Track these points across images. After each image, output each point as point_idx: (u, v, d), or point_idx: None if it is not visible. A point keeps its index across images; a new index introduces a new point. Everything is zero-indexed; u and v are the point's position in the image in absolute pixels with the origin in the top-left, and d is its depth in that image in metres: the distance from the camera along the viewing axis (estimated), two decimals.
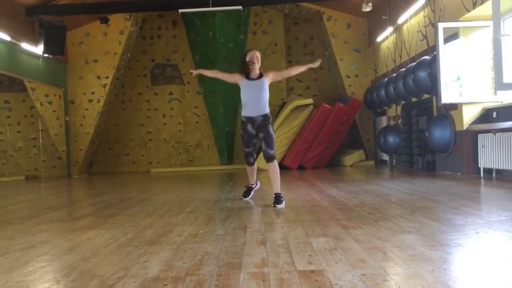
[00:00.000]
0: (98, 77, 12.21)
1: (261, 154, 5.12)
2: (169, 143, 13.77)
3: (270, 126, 4.84)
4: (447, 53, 7.35)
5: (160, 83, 13.72)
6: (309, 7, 12.06)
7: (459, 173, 7.46)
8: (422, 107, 8.79)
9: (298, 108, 11.14)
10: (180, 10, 10.05)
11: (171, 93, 13.72)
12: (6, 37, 9.36)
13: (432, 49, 7.93)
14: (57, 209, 5.23)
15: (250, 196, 5.30)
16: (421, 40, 8.77)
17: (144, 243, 3.08)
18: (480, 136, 7.04)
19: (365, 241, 2.85)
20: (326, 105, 10.90)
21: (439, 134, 7.67)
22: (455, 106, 7.42)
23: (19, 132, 13.27)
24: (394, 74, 9.78)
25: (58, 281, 2.29)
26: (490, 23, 6.19)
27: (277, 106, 12.41)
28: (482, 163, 6.99)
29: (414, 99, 9.19)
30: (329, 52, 12.75)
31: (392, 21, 10.05)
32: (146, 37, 13.63)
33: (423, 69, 7.93)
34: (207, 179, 9.15)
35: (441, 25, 7.23)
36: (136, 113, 13.71)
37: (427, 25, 8.45)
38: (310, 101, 11.36)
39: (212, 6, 9.76)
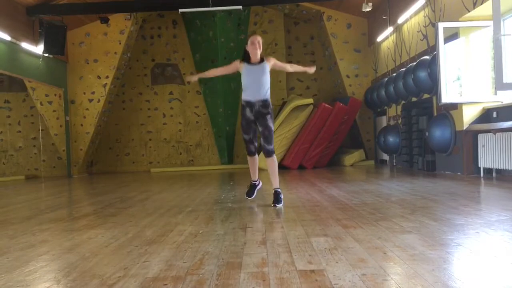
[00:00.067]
0: (98, 77, 12.21)
1: (262, 153, 5.03)
2: (169, 142, 13.77)
3: (269, 117, 4.71)
4: (447, 53, 7.35)
5: (160, 83, 13.72)
6: (309, 7, 12.06)
7: (459, 173, 7.46)
8: (422, 107, 8.79)
9: (298, 108, 11.15)
10: (180, 10, 10.05)
11: (171, 93, 13.73)
12: (6, 37, 9.37)
13: (432, 49, 7.94)
14: (57, 209, 5.23)
15: (254, 195, 5.16)
16: (421, 40, 8.77)
17: (144, 242, 3.09)
18: (480, 136, 7.04)
19: (365, 240, 2.86)
20: (326, 105, 10.90)
21: (439, 134, 7.67)
22: (455, 106, 7.42)
23: (19, 131, 13.27)
24: (394, 74, 9.78)
25: (58, 281, 2.29)
26: (490, 23, 6.20)
27: (277, 106, 12.42)
28: (482, 163, 7.00)
29: (414, 99, 9.19)
30: (329, 52, 12.75)
31: (392, 21, 10.05)
32: (146, 36, 13.63)
33: (423, 69, 7.93)
34: (207, 179, 9.15)
35: (441, 25, 7.23)
36: (136, 112, 13.71)
37: (427, 25, 8.45)
38: (310, 100, 11.36)
39: (213, 6, 9.77)
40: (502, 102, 6.91)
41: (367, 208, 4.23)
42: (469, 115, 7.25)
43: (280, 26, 13.39)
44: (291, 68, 5.15)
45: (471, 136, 7.25)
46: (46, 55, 10.58)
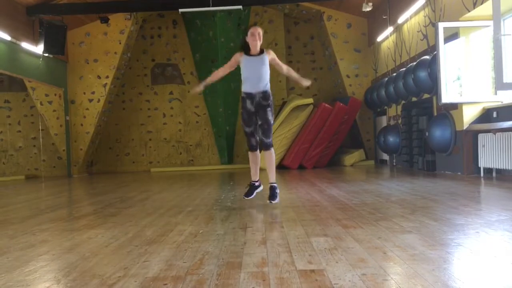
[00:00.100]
0: (98, 77, 12.21)
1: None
2: (169, 142, 13.77)
3: (269, 110, 4.64)
4: (447, 52, 7.35)
5: (160, 83, 13.72)
6: (310, 7, 12.06)
7: (459, 173, 7.46)
8: (422, 106, 8.79)
9: (298, 107, 11.15)
10: (180, 10, 10.05)
11: (171, 93, 13.73)
12: (6, 37, 9.37)
13: (432, 49, 7.94)
14: (57, 209, 5.23)
15: (253, 196, 4.86)
16: (421, 40, 8.77)
17: (144, 242, 3.09)
18: (480, 136, 7.04)
19: (365, 240, 2.86)
20: (326, 105, 10.90)
21: (439, 133, 7.67)
22: (455, 106, 7.42)
23: (19, 131, 13.27)
24: (394, 74, 9.78)
25: (58, 281, 2.29)
26: (491, 22, 6.20)
27: (278, 106, 12.41)
28: (482, 163, 7.00)
29: (414, 99, 9.19)
30: (329, 51, 12.75)
31: (392, 20, 10.05)
32: (147, 36, 13.63)
33: (423, 68, 7.93)
34: (207, 179, 9.15)
35: (441, 25, 7.23)
36: (137, 112, 13.71)
37: (427, 25, 8.45)
38: (310, 100, 11.36)
39: (213, 6, 9.77)
40: (502, 102, 6.91)
41: (367, 208, 4.23)
42: (469, 115, 7.25)
43: (280, 26, 13.38)
44: (286, 70, 4.96)
45: (471, 136, 7.25)
46: (46, 55, 10.58)
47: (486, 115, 7.17)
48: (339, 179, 7.72)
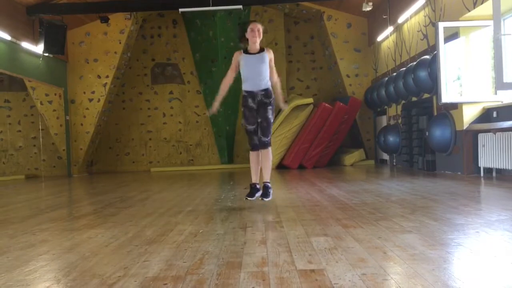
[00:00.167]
0: (99, 76, 12.21)
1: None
2: (169, 142, 13.77)
3: (270, 108, 4.59)
4: (447, 52, 7.35)
5: (160, 82, 13.72)
6: (310, 7, 12.06)
7: (459, 173, 7.46)
8: (422, 106, 8.79)
9: (298, 107, 11.14)
10: (180, 10, 10.05)
11: (171, 92, 13.72)
12: (6, 36, 9.37)
13: (433, 49, 7.93)
14: (57, 208, 5.23)
15: (255, 197, 4.64)
16: (422, 40, 8.76)
17: (144, 242, 3.09)
18: (480, 136, 7.04)
19: (365, 240, 2.86)
20: (326, 105, 10.90)
21: (439, 133, 7.67)
22: (455, 106, 7.42)
23: (20, 131, 13.27)
24: (394, 74, 9.78)
25: (58, 280, 2.29)
26: (491, 22, 6.20)
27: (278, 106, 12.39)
28: (482, 163, 6.99)
29: (414, 99, 9.19)
30: (329, 51, 12.75)
31: (392, 20, 10.04)
32: (147, 36, 13.63)
33: (423, 68, 7.93)
34: (207, 179, 9.16)
35: (441, 25, 7.23)
36: (137, 112, 13.71)
37: (428, 25, 8.45)
38: (310, 100, 11.36)
39: (213, 5, 9.76)
40: (502, 102, 6.91)
41: (367, 207, 4.23)
42: (469, 114, 7.25)
43: (280, 25, 13.38)
44: (275, 80, 4.74)
45: (471, 135, 7.25)
46: (46, 54, 10.58)
47: (486, 115, 7.16)
48: (339, 178, 7.72)
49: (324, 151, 11.11)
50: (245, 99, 4.63)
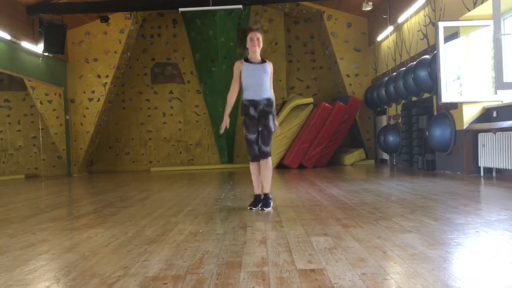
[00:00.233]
0: (98, 76, 12.21)
1: None
2: (169, 142, 13.77)
3: (271, 117, 4.49)
4: (447, 52, 7.35)
5: (160, 82, 13.72)
6: (310, 6, 12.06)
7: (459, 172, 7.46)
8: (422, 106, 8.79)
9: (298, 107, 11.14)
10: (180, 9, 10.04)
11: (171, 92, 13.72)
12: (6, 36, 9.36)
13: (433, 48, 7.93)
14: (57, 208, 5.23)
15: (259, 207, 4.51)
16: (422, 39, 8.76)
17: (144, 242, 3.09)
18: (480, 135, 7.04)
19: (365, 240, 2.86)
20: (327, 104, 10.90)
21: (439, 133, 7.67)
22: (455, 105, 7.42)
23: (19, 131, 13.27)
24: (395, 73, 9.78)
25: (58, 280, 2.29)
26: (491, 22, 6.20)
27: (278, 105, 12.41)
28: (482, 162, 6.99)
29: (414, 98, 9.19)
30: (329, 51, 12.75)
31: (392, 20, 10.04)
32: (146, 36, 13.62)
33: (423, 68, 7.93)
34: (207, 178, 9.16)
35: (441, 24, 7.23)
36: (136, 112, 13.71)
37: (428, 24, 8.45)
38: (310, 100, 11.36)
39: (213, 5, 9.76)
40: (502, 102, 6.91)
41: (367, 207, 4.23)
42: (469, 114, 7.25)
43: (280, 25, 13.38)
44: (270, 92, 4.60)
45: (471, 135, 7.25)
46: (46, 54, 10.57)
47: (486, 115, 7.16)
48: (339, 178, 7.72)
49: (324, 151, 11.11)
50: (246, 108, 4.48)
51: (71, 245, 3.08)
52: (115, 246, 2.99)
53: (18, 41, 9.82)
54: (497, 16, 5.65)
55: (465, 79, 7.43)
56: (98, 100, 12.22)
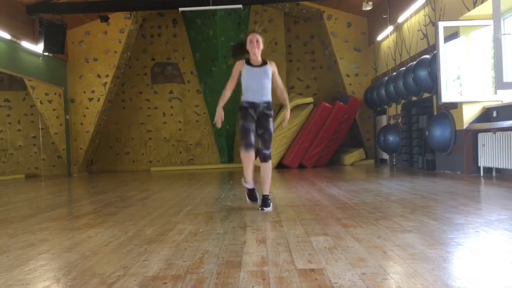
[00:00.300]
0: (98, 76, 12.21)
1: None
2: (169, 141, 13.77)
3: (271, 120, 4.45)
4: (447, 52, 7.35)
5: (160, 82, 13.72)
6: (310, 6, 12.06)
7: (459, 172, 7.46)
8: (422, 106, 8.79)
9: (298, 107, 11.13)
10: (180, 9, 10.05)
11: (171, 92, 13.72)
12: (6, 36, 9.36)
13: (433, 48, 7.93)
14: (57, 208, 5.23)
15: (258, 197, 4.54)
16: (422, 39, 8.76)
17: (144, 241, 3.09)
18: (480, 135, 7.04)
19: (365, 240, 2.86)
20: (326, 104, 10.90)
21: (439, 133, 7.67)
22: (455, 105, 7.42)
23: (19, 130, 13.27)
24: (394, 73, 9.78)
25: (58, 280, 2.29)
26: (491, 22, 6.20)
27: (277, 105, 12.39)
28: (482, 162, 7.00)
29: (414, 98, 9.19)
30: (329, 51, 12.75)
31: (392, 20, 10.04)
32: (146, 35, 13.62)
33: (423, 68, 7.93)
34: (207, 178, 9.16)
35: (441, 24, 7.23)
36: (136, 111, 13.71)
37: (428, 24, 8.45)
38: (310, 100, 11.36)
39: (213, 5, 9.76)
40: (502, 101, 6.91)
41: (367, 207, 4.23)
42: (469, 114, 7.25)
43: (280, 25, 13.37)
44: (281, 92, 4.63)
45: (471, 135, 7.25)
46: (46, 54, 10.58)
47: (486, 115, 7.16)
48: (339, 178, 7.72)
49: (324, 151, 11.11)
50: (245, 110, 4.39)
51: (71, 245, 3.08)
52: (115, 246, 2.99)
53: (18, 41, 9.82)
54: (497, 16, 5.65)
55: (465, 79, 7.43)
56: (98, 99, 12.22)
